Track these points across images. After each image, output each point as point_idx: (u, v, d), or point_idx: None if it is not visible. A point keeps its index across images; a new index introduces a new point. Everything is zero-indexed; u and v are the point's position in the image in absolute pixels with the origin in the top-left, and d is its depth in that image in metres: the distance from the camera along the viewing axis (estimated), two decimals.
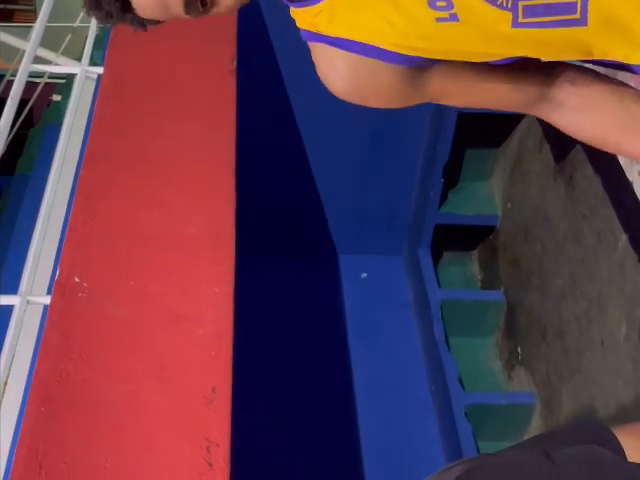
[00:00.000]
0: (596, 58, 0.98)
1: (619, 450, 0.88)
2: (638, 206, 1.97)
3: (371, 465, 2.88)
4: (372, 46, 0.94)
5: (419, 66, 0.95)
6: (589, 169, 2.62)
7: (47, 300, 1.67)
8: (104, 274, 1.68)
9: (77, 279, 1.67)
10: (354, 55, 0.96)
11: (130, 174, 1.87)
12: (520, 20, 0.92)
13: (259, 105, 3.05)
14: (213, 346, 1.58)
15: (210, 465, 1.39)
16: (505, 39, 0.94)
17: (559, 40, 0.94)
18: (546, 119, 1.06)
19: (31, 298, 1.70)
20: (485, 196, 3.37)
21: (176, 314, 1.62)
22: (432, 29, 0.92)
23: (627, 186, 2.04)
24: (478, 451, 2.81)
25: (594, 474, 0.75)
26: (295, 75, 3.07)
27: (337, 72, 0.98)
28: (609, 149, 1.08)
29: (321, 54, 0.99)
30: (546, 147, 2.94)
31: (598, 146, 1.08)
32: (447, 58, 0.95)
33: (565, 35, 0.94)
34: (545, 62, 1.00)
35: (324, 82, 1.01)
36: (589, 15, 0.92)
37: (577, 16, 0.92)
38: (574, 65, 1.04)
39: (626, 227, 2.39)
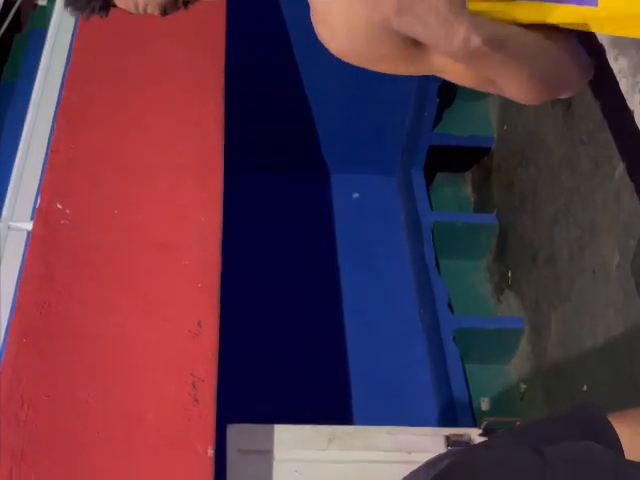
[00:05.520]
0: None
1: (615, 441, 0.85)
2: (637, 135, 1.92)
3: (358, 386, 2.90)
4: None
5: None
6: (588, 93, 2.55)
7: (29, 226, 1.63)
8: (87, 201, 1.64)
9: (59, 205, 1.62)
10: None
11: (115, 97, 1.80)
12: None
13: (249, 26, 2.96)
14: (199, 277, 1.55)
15: (196, 400, 1.37)
16: None
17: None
18: None
19: (13, 224, 1.66)
20: (481, 117, 3.30)
21: (162, 244, 1.58)
22: None
23: (627, 114, 1.98)
24: (465, 374, 2.82)
25: (586, 475, 0.72)
26: None
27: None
28: None
29: None
30: None
31: None
32: None
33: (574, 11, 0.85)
34: None
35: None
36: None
37: None
38: None
39: (624, 155, 2.34)
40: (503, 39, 0.80)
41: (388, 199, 3.43)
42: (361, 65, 0.85)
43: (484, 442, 0.77)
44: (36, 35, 3.84)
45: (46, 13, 4.06)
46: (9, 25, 3.84)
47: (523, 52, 0.77)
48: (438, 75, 0.85)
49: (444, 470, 0.70)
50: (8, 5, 3.02)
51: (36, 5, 4.89)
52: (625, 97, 1.95)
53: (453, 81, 0.85)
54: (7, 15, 3.74)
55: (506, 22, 0.81)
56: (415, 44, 0.81)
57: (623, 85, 1.97)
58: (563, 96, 0.79)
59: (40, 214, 1.61)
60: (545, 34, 0.80)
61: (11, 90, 3.70)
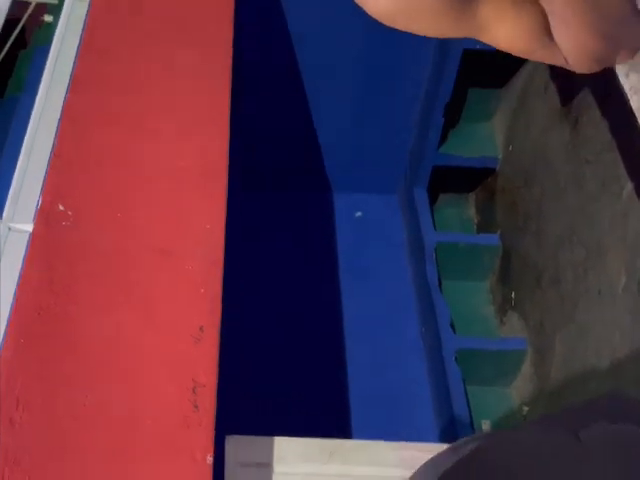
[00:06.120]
0: None
1: None
2: None
3: (358, 404, 2.86)
4: None
5: None
6: (596, 113, 2.54)
7: (30, 227, 1.60)
8: (90, 204, 1.61)
9: (61, 207, 1.60)
10: None
11: (119, 101, 1.78)
12: None
13: (257, 34, 2.95)
14: (202, 283, 1.52)
15: (196, 407, 1.34)
16: None
17: None
18: None
19: (13, 225, 1.63)
20: (486, 137, 3.29)
21: (165, 249, 1.55)
22: None
23: (635, 132, 1.96)
24: (467, 396, 2.78)
25: (627, 458, 0.69)
26: (295, 4, 2.95)
27: None
28: None
29: None
30: (552, 88, 2.86)
31: None
32: None
33: None
34: None
35: None
36: None
37: None
38: None
39: (632, 175, 2.32)
40: None
41: (391, 218, 3.41)
42: (403, 25, 0.76)
43: (511, 427, 0.74)
44: (40, 51, 3.85)
45: (51, 29, 4.06)
46: (14, 42, 3.84)
47: None
48: (480, 37, 0.78)
49: (470, 454, 0.67)
50: (13, 22, 3.04)
51: (42, 21, 4.89)
52: (636, 114, 1.93)
53: (495, 42, 0.77)
54: (12, 31, 3.75)
55: None
56: None
57: (634, 102, 1.95)
58: (621, 59, 0.72)
59: (41, 215, 1.58)
60: None
61: (15, 104, 3.69)
